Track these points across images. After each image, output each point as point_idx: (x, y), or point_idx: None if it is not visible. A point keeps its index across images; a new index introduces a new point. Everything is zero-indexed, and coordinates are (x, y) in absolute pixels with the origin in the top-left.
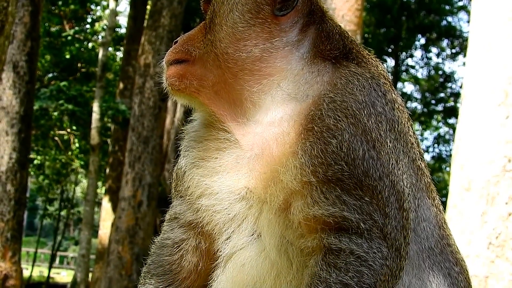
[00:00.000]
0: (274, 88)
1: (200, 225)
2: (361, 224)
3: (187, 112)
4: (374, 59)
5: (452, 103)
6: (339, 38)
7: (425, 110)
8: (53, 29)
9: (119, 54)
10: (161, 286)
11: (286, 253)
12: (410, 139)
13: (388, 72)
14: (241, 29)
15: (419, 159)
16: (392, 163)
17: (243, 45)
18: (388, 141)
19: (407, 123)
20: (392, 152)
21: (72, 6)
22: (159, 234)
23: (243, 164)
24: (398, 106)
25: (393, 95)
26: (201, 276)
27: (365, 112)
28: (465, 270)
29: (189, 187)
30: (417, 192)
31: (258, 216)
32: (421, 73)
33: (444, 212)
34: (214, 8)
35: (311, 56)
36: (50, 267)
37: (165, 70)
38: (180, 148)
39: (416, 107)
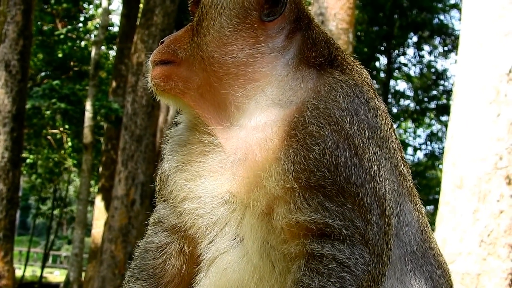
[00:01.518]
0: (259, 93)
1: (183, 229)
2: (343, 230)
3: (179, 112)
4: (358, 66)
5: (444, 101)
6: (325, 45)
7: (418, 107)
8: (45, 27)
9: (112, 53)
10: None
11: (269, 257)
12: (392, 145)
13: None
14: (228, 34)
15: (401, 164)
16: (374, 170)
17: (229, 50)
18: (371, 148)
19: (389, 129)
20: (374, 159)
21: (64, 5)
22: (143, 238)
23: (226, 168)
24: (381, 113)
25: (376, 102)
26: (185, 280)
27: (348, 119)
28: (447, 273)
29: (172, 191)
30: (399, 197)
31: (240, 220)
32: (414, 71)
33: (435, 208)
34: (202, 11)
35: (296, 63)
36: (43, 267)
37: (151, 70)
38: (164, 151)
39: (409, 104)
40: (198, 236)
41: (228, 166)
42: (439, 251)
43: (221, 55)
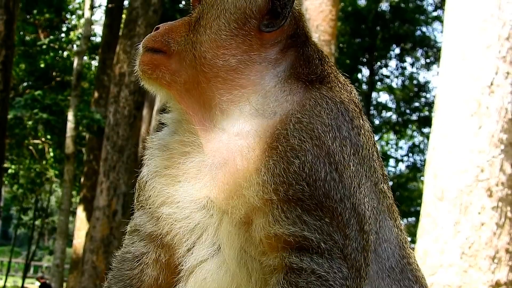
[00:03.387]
0: (244, 100)
1: (160, 236)
2: (322, 244)
3: (162, 124)
4: (348, 85)
5: (426, 113)
6: (318, 63)
7: (400, 119)
8: (28, 37)
9: (94, 63)
10: None
11: (246, 266)
12: (373, 164)
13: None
14: (224, 37)
15: (381, 182)
16: (354, 186)
17: (221, 53)
18: (351, 165)
19: (372, 149)
20: (354, 175)
21: (47, 15)
22: (121, 248)
23: (205, 172)
24: (365, 132)
25: (361, 121)
26: None
27: (330, 135)
28: (424, 287)
29: (150, 196)
30: (379, 214)
31: (218, 227)
32: (396, 83)
33: (417, 219)
34: (203, 10)
35: (286, 76)
36: (24, 277)
37: (140, 54)
38: (144, 157)
39: (391, 116)
40: (175, 243)
41: (207, 169)
42: (417, 266)
43: (213, 57)
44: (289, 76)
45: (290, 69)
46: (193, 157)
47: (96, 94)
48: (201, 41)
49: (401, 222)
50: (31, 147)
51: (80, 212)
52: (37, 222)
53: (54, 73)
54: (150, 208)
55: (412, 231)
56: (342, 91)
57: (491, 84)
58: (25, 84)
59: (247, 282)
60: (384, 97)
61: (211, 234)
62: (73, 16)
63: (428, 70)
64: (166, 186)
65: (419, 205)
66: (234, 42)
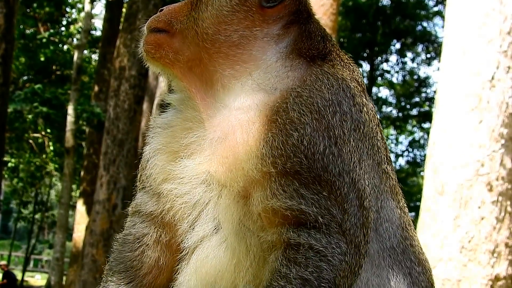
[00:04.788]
0: (246, 75)
1: (161, 215)
2: (319, 218)
3: (162, 110)
4: (352, 64)
5: (427, 108)
6: (321, 40)
7: (400, 114)
8: (28, 31)
9: (95, 57)
10: (122, 283)
11: (244, 240)
12: (376, 143)
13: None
14: (225, 13)
15: (385, 163)
16: (354, 162)
17: (223, 29)
18: (352, 140)
19: (375, 128)
20: (354, 151)
21: (47, 9)
22: (122, 230)
23: (206, 146)
24: (368, 111)
25: (364, 99)
26: (164, 271)
27: (330, 109)
28: (427, 270)
29: (151, 174)
30: (381, 194)
31: (217, 201)
32: (396, 78)
33: (417, 214)
34: None
35: (288, 52)
36: (24, 271)
37: (144, 35)
38: (146, 139)
39: (391, 111)
40: (177, 220)
41: (207, 144)
42: (421, 250)
43: (215, 33)
44: (291, 52)
45: (292, 45)
46: (194, 132)
47: (96, 88)
48: (203, 17)
49: (405, 205)
50: (31, 141)
51: (80, 206)
52: (37, 216)
53: (54, 67)
54: (151, 186)
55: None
56: (344, 69)
57: (492, 78)
58: (25, 77)
59: (245, 256)
60: (384, 92)
61: (211, 209)
62: (73, 10)
63: (428, 65)
64: (168, 163)
65: (419, 200)
66: (236, 18)
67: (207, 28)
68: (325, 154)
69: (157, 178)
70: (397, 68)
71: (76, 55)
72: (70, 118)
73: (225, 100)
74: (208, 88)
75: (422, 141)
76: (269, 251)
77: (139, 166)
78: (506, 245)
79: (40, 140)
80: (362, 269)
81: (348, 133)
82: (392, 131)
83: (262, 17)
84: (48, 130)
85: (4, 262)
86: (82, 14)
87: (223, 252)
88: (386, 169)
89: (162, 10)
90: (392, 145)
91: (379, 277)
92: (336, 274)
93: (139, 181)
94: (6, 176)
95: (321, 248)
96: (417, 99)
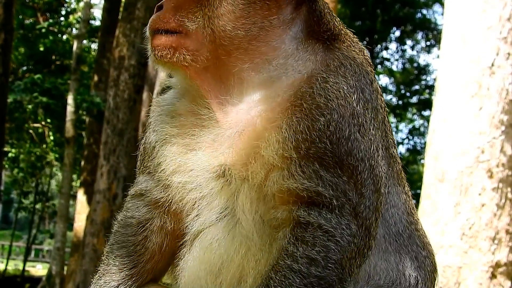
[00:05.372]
0: (266, 66)
1: (168, 203)
2: (334, 200)
3: (164, 91)
4: (359, 43)
5: (427, 96)
6: (330, 18)
7: (400, 102)
8: (27, 21)
9: (94, 47)
10: (125, 269)
11: (262, 230)
12: (385, 128)
13: None
14: (242, 6)
15: (392, 147)
16: (373, 149)
17: (242, 23)
18: (371, 128)
19: (384, 113)
20: (374, 139)
21: None
22: (122, 211)
23: (222, 141)
24: (380, 96)
25: (377, 83)
26: (165, 257)
27: (355, 96)
28: (431, 253)
29: (160, 164)
30: (388, 179)
31: (235, 193)
32: (396, 66)
33: (417, 202)
34: None
35: (304, 35)
36: (25, 261)
37: (151, 39)
38: (150, 120)
39: (391, 99)
40: (185, 210)
41: (224, 139)
42: (425, 233)
43: (234, 29)
44: (307, 35)
45: (306, 28)
46: (209, 130)
47: (95, 78)
48: (218, 14)
49: (409, 189)
50: (31, 131)
51: (81, 196)
52: (38, 206)
53: (53, 57)
54: (159, 175)
55: None
56: (357, 50)
57: (492, 65)
58: (24, 68)
59: (260, 247)
60: (384, 80)
61: (224, 200)
62: (72, 0)
63: (428, 53)
64: (178, 155)
65: (419, 188)
66: (253, 9)
67: (224, 26)
68: (350, 139)
69: (167, 169)
70: (396, 56)
71: (75, 45)
72: (70, 108)
73: (242, 94)
74: (223, 85)
75: (422, 129)
76: (277, 229)
77: (141, 148)
78: (507, 231)
79: (40, 130)
80: (371, 251)
81: (370, 121)
82: (392, 119)
83: (277, 2)
84: (48, 120)
85: None
86: (81, 4)
87: (230, 240)
88: (393, 153)
89: (161, 7)
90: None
91: (386, 261)
92: (344, 255)
93: (141, 165)
94: (6, 166)
95: (330, 228)
96: (417, 87)
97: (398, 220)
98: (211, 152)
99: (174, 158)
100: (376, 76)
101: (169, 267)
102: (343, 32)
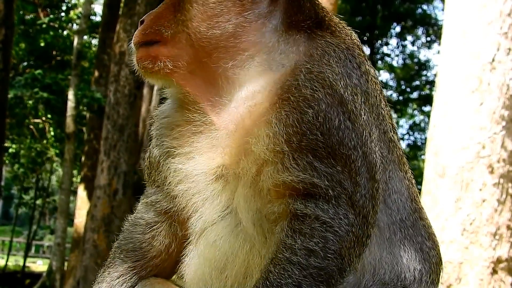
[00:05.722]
0: (249, 62)
1: (177, 213)
2: (330, 191)
3: (163, 100)
4: (346, 28)
5: (427, 91)
6: (311, 6)
7: (401, 98)
8: (27, 17)
9: (94, 42)
10: (129, 261)
11: (261, 227)
12: (381, 112)
13: None
14: (212, 6)
15: (391, 131)
16: (365, 135)
17: (215, 22)
18: (363, 113)
19: (379, 95)
20: (366, 124)
21: None
22: (133, 213)
23: (218, 143)
24: (372, 78)
25: (367, 66)
26: (172, 256)
27: (342, 83)
28: (436, 245)
29: (166, 177)
30: (388, 164)
31: (233, 191)
32: (397, 61)
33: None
34: None
35: (284, 27)
36: (25, 256)
37: (135, 52)
38: (151, 133)
39: (391, 95)
40: (190, 214)
41: (220, 141)
42: (429, 223)
43: (208, 29)
44: (288, 27)
45: (286, 19)
46: (206, 135)
47: (96, 73)
48: (190, 17)
49: (412, 176)
50: (31, 127)
51: (81, 191)
52: (38, 202)
53: (54, 52)
54: (167, 188)
55: None
56: (343, 35)
57: (493, 60)
58: (25, 63)
59: (263, 244)
60: (384, 76)
61: (225, 199)
62: None
63: (428, 48)
64: (181, 165)
65: (420, 183)
66: (225, 7)
67: (198, 27)
68: (340, 128)
69: (173, 181)
70: (397, 52)
71: (76, 41)
72: (70, 104)
73: (231, 93)
74: (212, 87)
75: (422, 125)
76: (275, 222)
77: (146, 162)
78: (508, 227)
79: (40, 126)
80: (370, 241)
81: (360, 107)
82: (392, 114)
83: None
84: (49, 116)
85: None
86: (82, 0)
87: (234, 237)
88: (392, 138)
89: (143, 21)
90: None
91: (391, 254)
92: (342, 245)
93: (149, 179)
94: (7, 162)
95: (327, 219)
96: (417, 83)
97: (401, 206)
98: (209, 155)
99: (178, 169)
100: (366, 58)
101: (177, 266)
102: (327, 18)
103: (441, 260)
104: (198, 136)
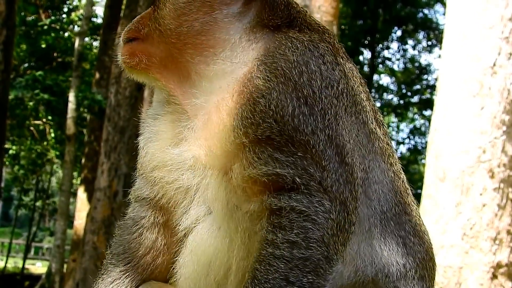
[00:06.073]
0: (215, 58)
1: (155, 199)
2: (297, 179)
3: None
4: (321, 27)
5: (428, 95)
6: (284, 8)
7: (401, 102)
8: (29, 18)
9: (96, 44)
10: (121, 265)
11: (233, 217)
12: (360, 102)
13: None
14: (182, 5)
15: (372, 123)
16: (329, 119)
17: (184, 20)
18: (324, 97)
19: (357, 87)
20: (328, 107)
21: None
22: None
23: (191, 134)
24: (344, 70)
25: (337, 59)
26: (163, 253)
27: (296, 70)
28: (425, 242)
29: (143, 162)
30: (368, 153)
31: (205, 184)
32: (397, 65)
33: (418, 201)
34: None
35: (251, 26)
36: (25, 258)
37: (121, 48)
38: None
39: (392, 99)
40: (172, 206)
41: (192, 132)
42: (419, 221)
43: (177, 26)
44: (255, 25)
45: (255, 19)
46: (180, 124)
47: (97, 75)
48: (162, 15)
49: (401, 171)
50: (32, 128)
51: (81, 193)
52: (38, 203)
53: (55, 54)
54: (143, 172)
55: None
56: (311, 32)
57: (494, 65)
58: (26, 64)
59: (236, 234)
60: (385, 80)
61: (201, 192)
62: None
63: (429, 52)
64: (157, 151)
65: (420, 188)
66: (193, 7)
67: (168, 24)
68: (295, 114)
69: (148, 165)
70: (398, 56)
71: (77, 42)
72: (71, 105)
73: (201, 87)
74: (185, 80)
75: (423, 129)
76: (255, 222)
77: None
78: (508, 232)
79: (41, 127)
80: (354, 227)
81: (319, 91)
82: (393, 118)
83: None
84: (49, 117)
85: None
86: (83, 1)
87: (216, 232)
88: (373, 130)
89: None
90: (393, 133)
91: (370, 245)
92: (324, 232)
93: (138, 169)
94: (7, 163)
95: (303, 209)
96: (418, 87)
97: (382, 198)
98: (183, 146)
99: (154, 154)
100: (343, 54)
101: (172, 264)
102: (300, 19)
103: (432, 259)
104: (174, 125)
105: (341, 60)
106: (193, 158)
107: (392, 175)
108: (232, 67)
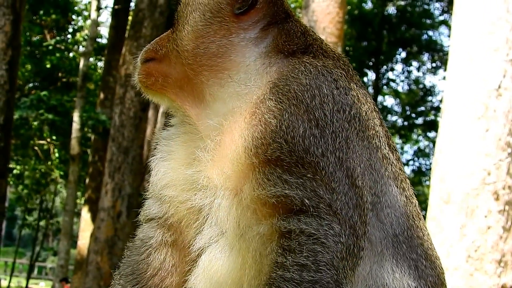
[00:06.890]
0: (229, 81)
1: (164, 217)
2: (306, 200)
3: (168, 123)
4: (337, 54)
5: (432, 117)
6: (301, 35)
7: (405, 123)
8: (34, 38)
9: (100, 64)
10: (129, 286)
11: (244, 238)
12: (373, 127)
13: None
14: (200, 27)
15: (385, 149)
16: (340, 142)
17: (201, 42)
18: (335, 120)
19: (370, 112)
20: (339, 131)
21: (53, 16)
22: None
23: (204, 154)
24: (357, 95)
25: (351, 84)
26: (172, 274)
27: (309, 94)
28: (437, 267)
29: (154, 181)
30: (381, 178)
31: (217, 204)
32: (402, 87)
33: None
34: (180, 9)
35: (267, 51)
36: (28, 278)
37: (138, 68)
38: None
39: (396, 120)
40: (183, 226)
41: (205, 152)
42: (431, 245)
43: (194, 48)
44: (270, 50)
45: (271, 44)
46: (193, 144)
47: (101, 95)
48: (181, 36)
49: (413, 195)
50: (36, 148)
51: (85, 213)
52: (42, 223)
53: (60, 74)
54: (154, 191)
55: None
56: (326, 58)
57: (499, 87)
58: (31, 84)
59: (248, 254)
60: (389, 101)
61: (214, 212)
62: (79, 17)
63: (434, 74)
64: (170, 170)
65: (425, 209)
66: (211, 29)
67: (186, 46)
68: (305, 136)
69: (159, 183)
70: (402, 77)
71: (82, 62)
72: (75, 125)
73: (215, 108)
74: (200, 101)
75: (427, 150)
76: (265, 244)
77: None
78: None
79: (45, 147)
80: (363, 252)
81: (331, 114)
82: (397, 140)
83: (237, 24)
84: (54, 137)
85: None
86: (88, 22)
87: (229, 252)
88: (386, 155)
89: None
90: None
91: (382, 267)
92: (333, 256)
93: (147, 190)
94: (11, 183)
95: (312, 231)
96: (422, 108)
97: (395, 221)
98: (196, 165)
99: (165, 173)
100: (356, 81)
101: (184, 284)
102: (316, 45)
103: (443, 283)
104: (187, 145)
105: (355, 86)
106: (206, 178)
107: (405, 199)
108: (246, 90)
